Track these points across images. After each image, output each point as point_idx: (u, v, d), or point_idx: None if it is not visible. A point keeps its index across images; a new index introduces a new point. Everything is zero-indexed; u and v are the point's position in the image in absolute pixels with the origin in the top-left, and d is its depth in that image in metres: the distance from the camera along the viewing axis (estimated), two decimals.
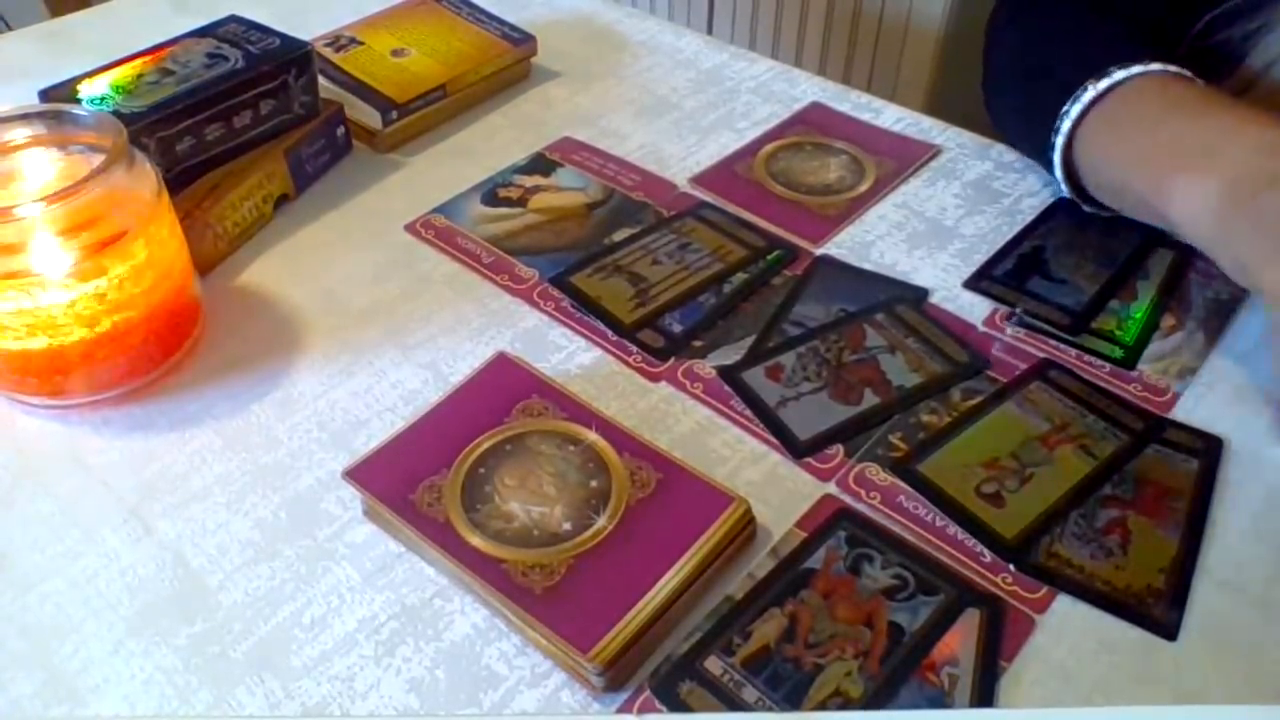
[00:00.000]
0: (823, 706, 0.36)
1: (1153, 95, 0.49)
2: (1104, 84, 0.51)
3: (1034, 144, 0.56)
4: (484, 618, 0.40)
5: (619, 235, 0.59)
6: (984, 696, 0.37)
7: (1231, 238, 0.43)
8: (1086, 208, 0.57)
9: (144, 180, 0.48)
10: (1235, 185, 0.43)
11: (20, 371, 0.48)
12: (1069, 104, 0.52)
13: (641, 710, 0.37)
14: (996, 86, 0.63)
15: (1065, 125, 0.52)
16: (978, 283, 0.54)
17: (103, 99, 0.54)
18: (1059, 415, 0.47)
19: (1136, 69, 0.50)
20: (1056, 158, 0.54)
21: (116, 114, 0.51)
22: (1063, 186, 0.56)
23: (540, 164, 0.65)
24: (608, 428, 0.44)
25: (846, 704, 0.36)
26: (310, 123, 0.62)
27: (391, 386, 0.50)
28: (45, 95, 0.55)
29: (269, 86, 0.58)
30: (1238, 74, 0.57)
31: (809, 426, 0.47)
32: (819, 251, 0.57)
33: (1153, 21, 0.56)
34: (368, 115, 0.66)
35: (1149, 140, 0.48)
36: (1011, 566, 0.41)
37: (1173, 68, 0.50)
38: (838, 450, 0.46)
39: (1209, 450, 0.45)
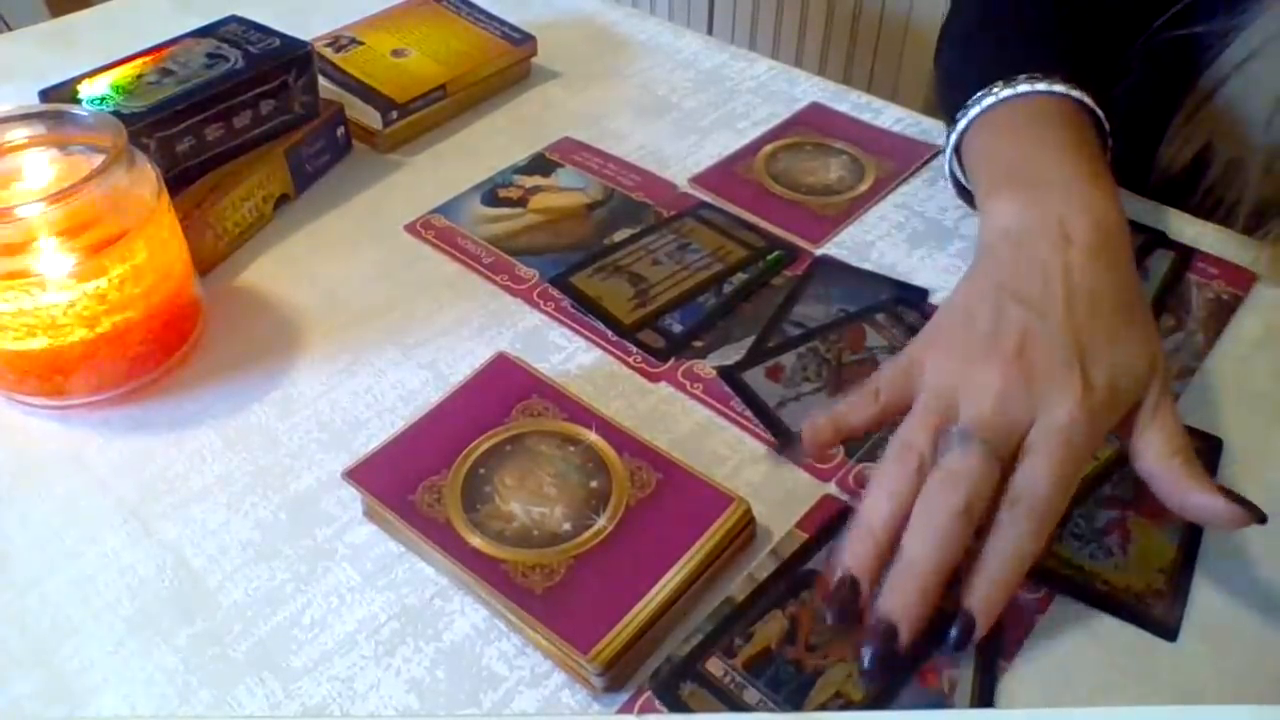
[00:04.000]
0: (824, 708, 0.36)
1: (1023, 117, 0.49)
2: (1000, 94, 0.50)
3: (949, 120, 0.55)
4: (484, 618, 0.40)
5: (619, 235, 0.59)
6: (984, 699, 0.36)
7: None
8: (959, 197, 0.57)
9: (144, 180, 0.48)
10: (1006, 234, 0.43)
11: (20, 371, 0.48)
12: (974, 102, 0.51)
13: (642, 711, 0.37)
14: (950, 42, 0.61)
15: (961, 124, 0.52)
16: None
17: (103, 99, 0.54)
18: None
19: (1039, 85, 0.49)
20: (949, 147, 0.53)
21: (116, 114, 0.51)
22: (952, 169, 0.55)
23: (540, 164, 0.65)
24: (608, 428, 0.44)
25: (848, 706, 0.36)
26: (310, 123, 0.62)
27: (391, 386, 0.50)
28: (45, 95, 0.55)
29: (269, 87, 0.58)
30: (1207, 74, 0.57)
31: None
32: (819, 251, 0.57)
33: (1112, 13, 0.57)
34: (368, 115, 0.66)
35: (996, 154, 0.49)
36: None
37: (1075, 92, 0.49)
38: (838, 450, 0.46)
39: (1209, 450, 0.45)
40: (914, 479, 0.37)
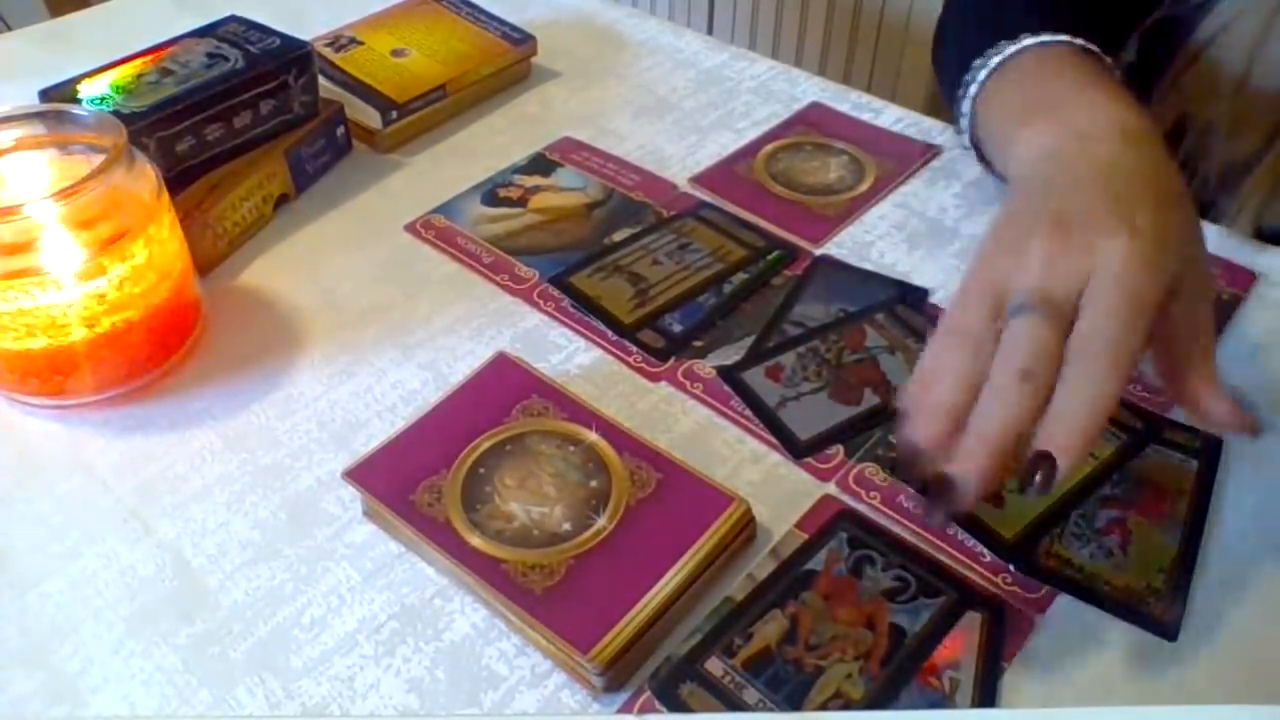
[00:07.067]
0: (824, 708, 0.36)
1: (1037, 63, 0.51)
2: (1011, 49, 0.52)
3: (953, 95, 0.58)
4: (484, 618, 0.40)
5: (619, 235, 0.59)
6: (984, 699, 0.36)
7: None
8: (979, 166, 0.58)
9: (144, 180, 0.48)
10: (1060, 145, 0.44)
11: (21, 371, 0.48)
12: (982, 61, 0.54)
13: (642, 711, 0.37)
14: (942, 37, 0.65)
15: (973, 87, 0.54)
16: None
17: (103, 99, 0.54)
18: None
19: (1045, 37, 0.51)
20: (966, 107, 0.55)
21: (116, 114, 0.51)
22: (965, 137, 0.57)
23: (540, 164, 0.65)
24: (608, 428, 0.44)
25: (847, 706, 0.36)
26: (310, 123, 0.62)
27: (391, 386, 0.50)
28: (45, 95, 0.55)
29: (269, 86, 0.58)
30: (1186, 47, 0.60)
31: (809, 426, 0.47)
32: (819, 251, 0.57)
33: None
34: (368, 115, 0.66)
35: (1016, 98, 0.51)
36: (1011, 566, 0.41)
37: (1079, 41, 0.51)
38: (838, 450, 0.46)
39: (1209, 450, 0.45)
40: (967, 358, 0.37)
